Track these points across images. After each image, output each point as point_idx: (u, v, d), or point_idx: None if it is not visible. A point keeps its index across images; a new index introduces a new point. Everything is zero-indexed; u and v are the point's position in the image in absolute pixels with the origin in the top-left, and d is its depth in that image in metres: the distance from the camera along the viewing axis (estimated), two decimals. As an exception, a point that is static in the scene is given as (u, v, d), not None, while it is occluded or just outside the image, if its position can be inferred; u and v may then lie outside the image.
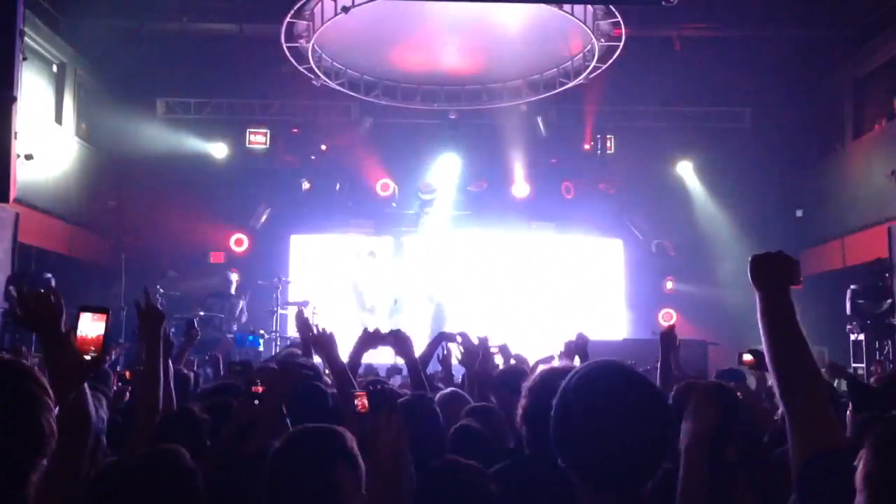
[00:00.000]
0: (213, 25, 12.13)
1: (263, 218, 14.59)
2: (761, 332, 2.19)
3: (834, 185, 13.49)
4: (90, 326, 2.40)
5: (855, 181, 12.84)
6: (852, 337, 11.37)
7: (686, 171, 14.87)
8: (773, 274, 2.23)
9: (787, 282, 2.21)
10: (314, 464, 2.27)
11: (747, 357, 5.15)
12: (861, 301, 11.11)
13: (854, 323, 11.22)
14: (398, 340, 4.51)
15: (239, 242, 14.62)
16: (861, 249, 12.39)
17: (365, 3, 9.88)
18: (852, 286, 11.27)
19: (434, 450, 3.05)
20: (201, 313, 12.27)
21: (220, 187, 14.34)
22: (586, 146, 14.82)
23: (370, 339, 4.48)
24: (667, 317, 14.00)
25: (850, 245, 12.87)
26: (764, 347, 2.17)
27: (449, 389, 4.53)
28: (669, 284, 14.80)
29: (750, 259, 2.27)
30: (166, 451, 2.67)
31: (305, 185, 14.52)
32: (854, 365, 11.13)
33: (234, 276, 13.54)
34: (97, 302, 3.05)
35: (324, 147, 14.74)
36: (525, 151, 14.67)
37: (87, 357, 2.35)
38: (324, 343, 4.13)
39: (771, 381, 2.24)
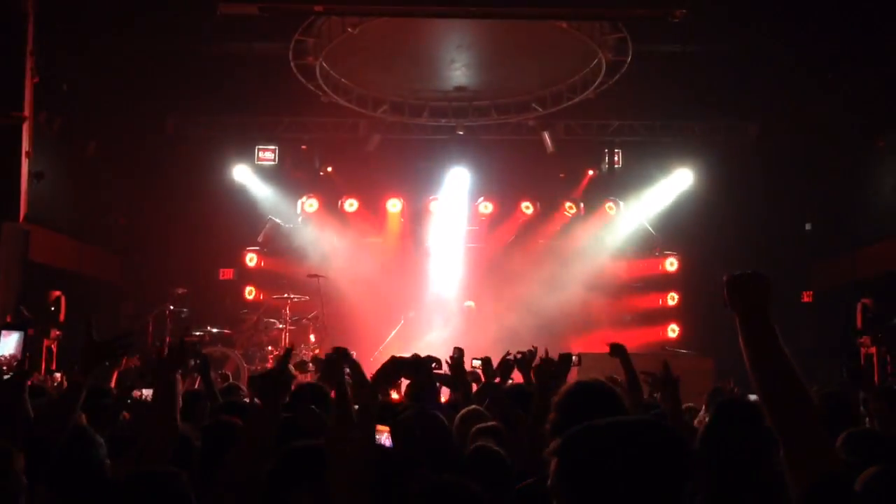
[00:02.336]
0: (223, 44, 12.20)
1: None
2: (744, 356, 2.06)
3: (843, 197, 13.40)
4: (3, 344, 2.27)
5: (865, 193, 12.76)
6: (864, 350, 11.27)
7: (693, 184, 14.83)
8: (751, 295, 2.11)
9: (766, 302, 2.09)
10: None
11: None
12: (872, 314, 11.03)
13: (865, 336, 11.13)
14: (419, 370, 4.00)
15: (251, 259, 14.65)
16: (872, 262, 12.32)
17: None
18: (863, 299, 11.20)
19: (445, 467, 2.97)
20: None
21: (229, 204, 14.42)
22: (590, 172, 14.83)
23: (392, 372, 3.63)
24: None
25: (861, 258, 12.79)
26: (748, 371, 2.05)
27: (471, 407, 4.39)
28: (673, 298, 14.74)
29: (725, 280, 2.13)
30: (163, 473, 2.57)
31: None
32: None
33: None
34: (108, 320, 3.06)
35: (329, 168, 14.82)
36: (532, 166, 14.68)
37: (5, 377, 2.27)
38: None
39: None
